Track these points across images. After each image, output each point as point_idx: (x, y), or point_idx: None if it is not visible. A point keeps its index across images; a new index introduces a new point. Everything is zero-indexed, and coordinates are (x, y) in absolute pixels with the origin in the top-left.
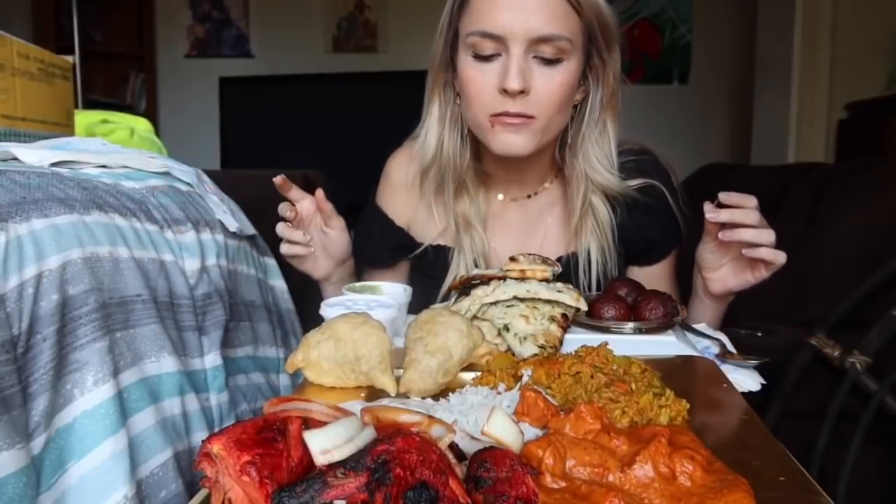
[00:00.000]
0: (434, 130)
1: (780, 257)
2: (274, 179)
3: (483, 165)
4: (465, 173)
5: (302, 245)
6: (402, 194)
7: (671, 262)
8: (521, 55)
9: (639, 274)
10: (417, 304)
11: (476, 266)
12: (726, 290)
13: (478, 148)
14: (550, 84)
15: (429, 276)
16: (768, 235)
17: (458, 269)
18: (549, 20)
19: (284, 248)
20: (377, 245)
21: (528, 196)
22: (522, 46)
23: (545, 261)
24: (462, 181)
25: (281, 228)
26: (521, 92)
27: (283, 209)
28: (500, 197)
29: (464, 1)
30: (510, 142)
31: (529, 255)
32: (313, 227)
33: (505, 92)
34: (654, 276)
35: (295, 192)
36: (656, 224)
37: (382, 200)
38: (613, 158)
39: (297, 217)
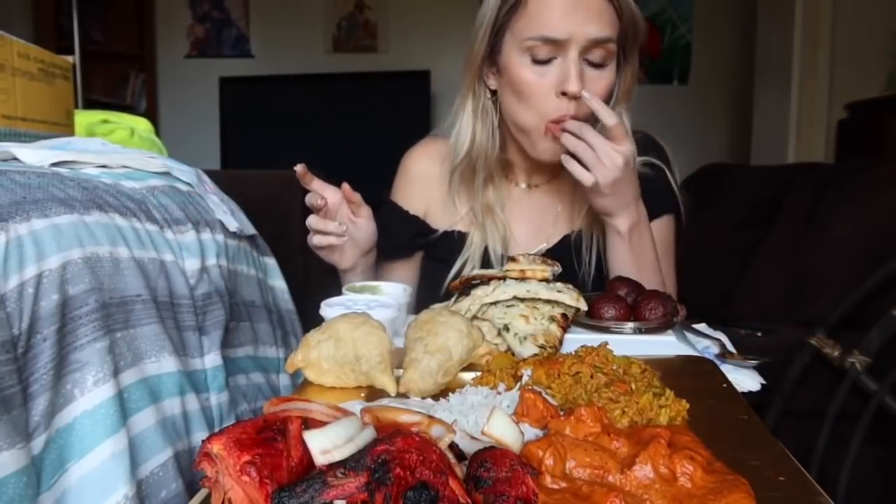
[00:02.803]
0: (468, 124)
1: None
2: (295, 168)
3: (507, 155)
4: (494, 161)
5: (336, 235)
6: (420, 186)
7: (664, 228)
8: (577, 59)
9: None
10: (428, 291)
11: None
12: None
13: (504, 139)
14: (599, 86)
15: (441, 259)
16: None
17: (472, 248)
18: (604, 25)
19: (317, 240)
20: (395, 237)
21: (545, 182)
22: (578, 50)
23: (545, 261)
24: (491, 167)
25: (313, 220)
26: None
27: (312, 199)
28: (523, 186)
29: (517, 3)
30: (554, 150)
31: (529, 255)
32: (340, 217)
33: (564, 95)
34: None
35: (317, 183)
36: (653, 192)
37: (397, 194)
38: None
39: (325, 207)
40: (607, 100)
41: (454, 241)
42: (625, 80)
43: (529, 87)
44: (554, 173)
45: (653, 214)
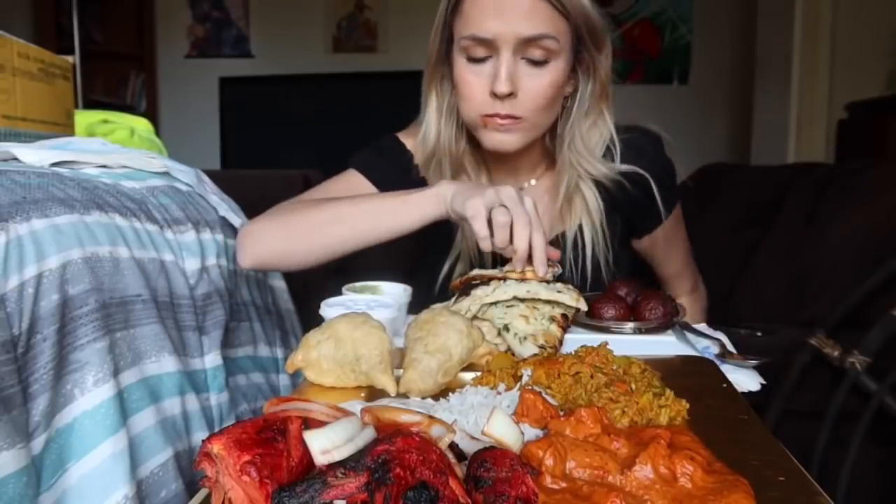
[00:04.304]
0: (433, 122)
1: None
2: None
3: (479, 151)
4: (463, 157)
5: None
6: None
7: (675, 223)
8: (510, 58)
9: (649, 244)
10: (424, 286)
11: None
12: None
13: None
14: (538, 85)
15: (435, 254)
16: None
17: (464, 243)
18: (537, 23)
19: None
20: (390, 162)
21: (525, 185)
22: (511, 49)
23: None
24: (460, 164)
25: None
26: (510, 94)
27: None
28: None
29: (457, 4)
30: (499, 140)
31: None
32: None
33: (495, 95)
34: (663, 239)
35: None
36: (648, 196)
37: (404, 134)
38: (614, 147)
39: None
40: (551, 97)
41: (446, 237)
42: (597, 79)
43: (466, 86)
44: (527, 175)
45: (665, 214)
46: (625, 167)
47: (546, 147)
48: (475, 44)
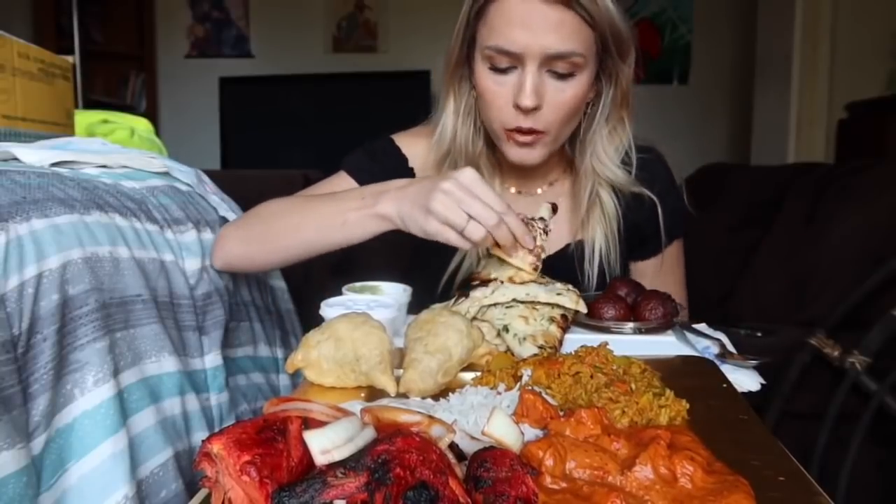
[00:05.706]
0: (450, 122)
1: None
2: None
3: (495, 154)
4: (479, 159)
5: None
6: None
7: (673, 255)
8: (536, 71)
9: (642, 268)
10: (425, 287)
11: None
12: None
13: (491, 138)
14: (562, 98)
15: (438, 255)
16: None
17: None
18: (564, 37)
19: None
20: (384, 165)
21: (539, 190)
22: (536, 63)
23: (532, 251)
24: (476, 166)
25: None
26: (534, 108)
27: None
28: (512, 190)
29: (481, 9)
30: (522, 155)
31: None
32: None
33: (518, 108)
34: (655, 269)
35: None
36: (654, 219)
37: (402, 140)
38: (632, 155)
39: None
40: (574, 109)
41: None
42: (619, 86)
43: (490, 95)
44: (544, 180)
45: (661, 247)
46: (636, 188)
47: (565, 152)
48: (500, 55)
